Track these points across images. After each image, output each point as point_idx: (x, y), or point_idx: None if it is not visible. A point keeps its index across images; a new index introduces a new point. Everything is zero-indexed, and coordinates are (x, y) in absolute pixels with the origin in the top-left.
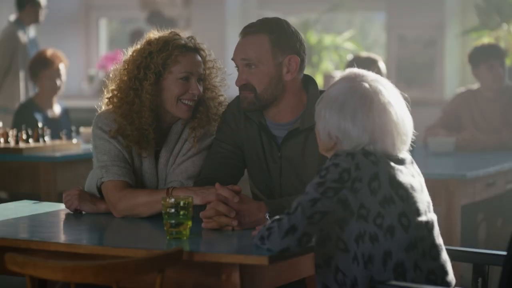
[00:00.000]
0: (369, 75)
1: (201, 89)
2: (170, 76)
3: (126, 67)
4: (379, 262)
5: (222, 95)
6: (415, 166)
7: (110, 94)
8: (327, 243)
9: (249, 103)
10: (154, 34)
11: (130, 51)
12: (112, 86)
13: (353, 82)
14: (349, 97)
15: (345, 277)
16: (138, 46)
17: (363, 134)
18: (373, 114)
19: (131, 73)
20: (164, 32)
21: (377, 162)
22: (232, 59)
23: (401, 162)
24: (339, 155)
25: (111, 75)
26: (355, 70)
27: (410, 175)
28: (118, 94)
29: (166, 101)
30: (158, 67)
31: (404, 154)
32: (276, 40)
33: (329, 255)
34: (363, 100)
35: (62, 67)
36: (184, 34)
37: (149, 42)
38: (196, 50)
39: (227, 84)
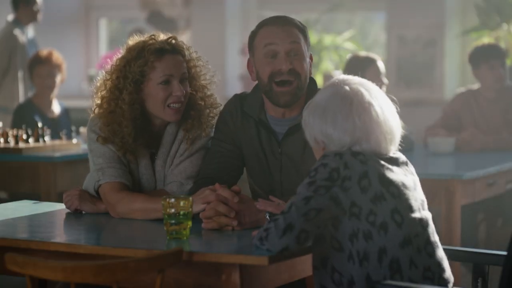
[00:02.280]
0: (353, 79)
1: (187, 89)
2: (150, 82)
3: (109, 76)
4: (374, 259)
5: (212, 94)
6: (410, 166)
7: (98, 102)
8: (322, 243)
9: (292, 96)
10: (133, 40)
11: (114, 59)
12: (98, 95)
13: (336, 86)
14: (330, 102)
15: (342, 277)
16: (120, 54)
17: (344, 136)
18: (353, 116)
19: (112, 83)
20: (143, 37)
21: (365, 161)
22: (268, 43)
23: (393, 161)
24: (327, 156)
25: (98, 84)
26: (341, 76)
27: (403, 174)
28: (102, 104)
29: (153, 108)
30: (135, 75)
31: (397, 154)
32: (306, 36)
33: (325, 256)
34: (343, 103)
35: (53, 65)
36: (184, 35)
37: (128, 50)
38: (175, 50)
39: (216, 82)
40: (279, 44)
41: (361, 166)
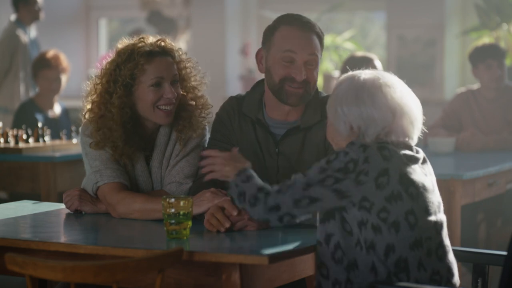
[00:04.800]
0: (364, 71)
1: (179, 91)
2: (140, 85)
3: (99, 81)
4: (381, 252)
5: (203, 95)
6: (429, 165)
7: (89, 106)
8: (331, 221)
9: (300, 98)
10: (121, 43)
11: (104, 62)
12: (88, 99)
13: (353, 77)
14: (359, 87)
15: (344, 255)
16: (110, 58)
17: (386, 112)
18: (386, 93)
19: (103, 87)
20: (132, 40)
21: (389, 157)
22: (288, 50)
23: (415, 160)
24: (354, 144)
25: (88, 88)
26: (350, 72)
27: (423, 174)
28: (93, 109)
29: (144, 110)
30: (126, 79)
31: (420, 153)
32: (323, 44)
33: (331, 233)
34: (372, 84)
35: (61, 69)
36: (184, 35)
37: (118, 53)
38: (165, 53)
39: (207, 84)
40: (298, 54)
41: (382, 163)
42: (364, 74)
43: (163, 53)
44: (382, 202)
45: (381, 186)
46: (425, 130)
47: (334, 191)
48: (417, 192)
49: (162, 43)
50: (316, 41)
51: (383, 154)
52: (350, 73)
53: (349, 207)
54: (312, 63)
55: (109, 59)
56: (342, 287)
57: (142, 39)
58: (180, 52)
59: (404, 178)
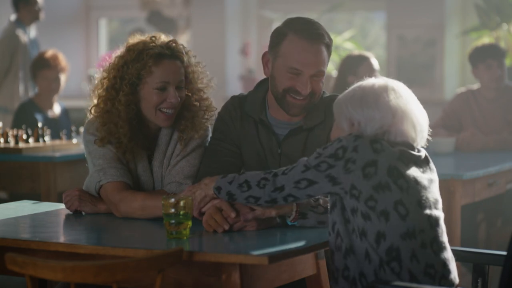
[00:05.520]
0: (377, 78)
1: (183, 95)
2: (146, 86)
3: (107, 75)
4: (372, 239)
5: (207, 98)
6: (431, 165)
7: (95, 101)
8: (335, 209)
9: (302, 109)
10: (133, 39)
11: (113, 57)
12: (95, 93)
13: (364, 82)
14: (366, 89)
15: (342, 243)
16: (119, 52)
17: (387, 112)
18: (391, 97)
19: (109, 82)
20: (144, 37)
21: (380, 151)
22: (294, 67)
23: (412, 157)
24: (350, 134)
25: (95, 82)
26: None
27: (419, 171)
28: (99, 103)
29: (146, 110)
30: (132, 78)
31: (421, 152)
32: (330, 52)
33: (334, 221)
34: (379, 89)
35: (60, 69)
36: (184, 35)
37: (127, 50)
38: (174, 56)
39: (213, 87)
40: (305, 70)
41: (371, 154)
42: (376, 80)
43: (172, 56)
44: (370, 191)
45: (368, 176)
46: (430, 138)
47: (327, 177)
48: (408, 185)
49: (173, 45)
50: (324, 53)
51: (374, 146)
52: (362, 81)
53: (343, 195)
54: (319, 76)
55: (118, 53)
56: (340, 273)
57: (153, 39)
58: (190, 55)
59: (393, 170)
